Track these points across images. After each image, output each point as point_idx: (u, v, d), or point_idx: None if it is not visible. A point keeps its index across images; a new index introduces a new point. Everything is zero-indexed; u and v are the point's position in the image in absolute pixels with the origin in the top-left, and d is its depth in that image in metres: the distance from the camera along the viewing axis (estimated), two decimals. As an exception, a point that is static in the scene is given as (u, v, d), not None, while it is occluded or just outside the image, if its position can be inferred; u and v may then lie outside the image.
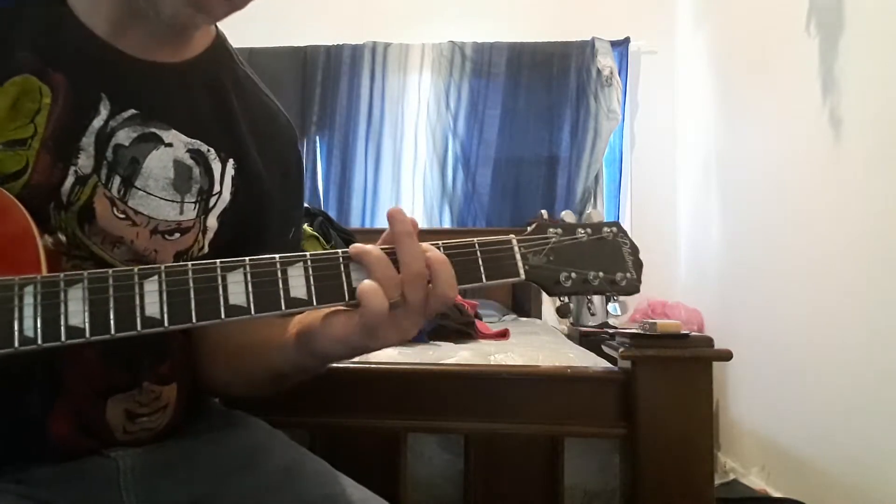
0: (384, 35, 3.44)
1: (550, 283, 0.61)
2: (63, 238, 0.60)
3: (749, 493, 2.19)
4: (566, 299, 0.64)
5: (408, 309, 0.54)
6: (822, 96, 1.93)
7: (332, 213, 3.08)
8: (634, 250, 0.64)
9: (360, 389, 0.98)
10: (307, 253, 0.55)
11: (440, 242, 0.57)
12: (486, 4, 3.49)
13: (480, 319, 2.07)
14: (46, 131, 0.59)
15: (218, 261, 0.53)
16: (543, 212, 3.00)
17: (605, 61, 3.27)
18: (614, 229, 0.63)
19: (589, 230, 0.63)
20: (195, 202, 0.66)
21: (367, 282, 0.53)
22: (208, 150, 0.68)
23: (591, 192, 3.28)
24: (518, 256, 0.60)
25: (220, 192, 0.68)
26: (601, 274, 0.62)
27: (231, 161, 0.69)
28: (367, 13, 3.50)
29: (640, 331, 0.97)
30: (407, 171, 3.43)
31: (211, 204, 0.68)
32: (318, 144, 3.45)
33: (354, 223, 3.30)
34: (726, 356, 0.96)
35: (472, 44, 3.41)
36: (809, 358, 2.01)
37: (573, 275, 0.61)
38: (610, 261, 0.62)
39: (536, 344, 1.65)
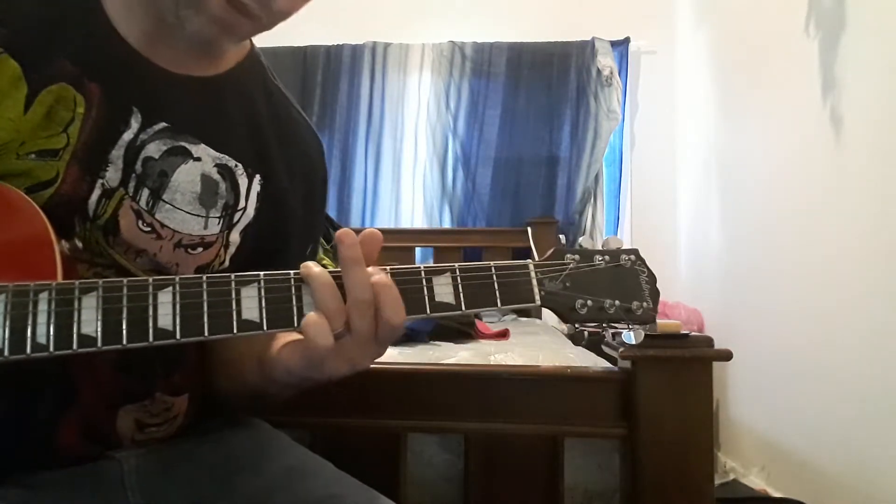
0: (384, 35, 3.44)
1: (566, 310, 0.60)
2: (79, 244, 0.60)
3: (749, 493, 2.19)
4: (579, 327, 0.63)
5: (355, 338, 0.52)
6: (822, 96, 1.93)
7: (332, 213, 3.08)
8: (652, 279, 0.63)
9: (360, 389, 0.98)
10: (288, 272, 0.54)
11: (457, 265, 0.57)
12: (486, 4, 3.49)
13: (480, 319, 2.07)
14: (78, 142, 0.59)
15: (232, 275, 0.52)
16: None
17: (605, 61, 3.27)
18: (632, 257, 0.63)
19: (607, 257, 0.62)
20: (220, 217, 0.66)
21: (311, 314, 0.52)
22: (236, 166, 0.68)
23: (591, 192, 3.28)
24: (534, 282, 0.59)
25: (245, 208, 0.68)
26: (617, 302, 0.61)
27: (258, 177, 0.69)
28: (367, 13, 3.50)
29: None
30: (407, 171, 3.43)
31: (235, 219, 0.68)
32: (318, 144, 3.45)
33: (354, 223, 3.30)
34: (726, 356, 0.96)
35: (472, 44, 3.41)
36: (809, 358, 2.01)
37: (589, 302, 0.60)
38: (627, 289, 0.62)
39: (536, 344, 1.65)
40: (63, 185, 0.58)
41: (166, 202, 0.63)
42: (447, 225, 3.35)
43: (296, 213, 0.74)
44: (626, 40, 3.35)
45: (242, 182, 0.68)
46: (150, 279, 0.51)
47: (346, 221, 3.24)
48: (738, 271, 2.61)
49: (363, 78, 3.42)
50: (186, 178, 0.64)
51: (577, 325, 0.63)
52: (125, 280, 0.50)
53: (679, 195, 3.31)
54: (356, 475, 0.72)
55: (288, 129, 0.74)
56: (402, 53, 3.43)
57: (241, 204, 0.68)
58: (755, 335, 2.37)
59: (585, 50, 3.32)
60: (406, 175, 3.43)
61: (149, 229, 0.62)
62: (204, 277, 0.51)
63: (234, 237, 0.68)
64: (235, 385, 0.70)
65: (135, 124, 0.62)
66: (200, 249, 0.65)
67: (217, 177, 0.66)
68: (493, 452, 1.00)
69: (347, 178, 3.40)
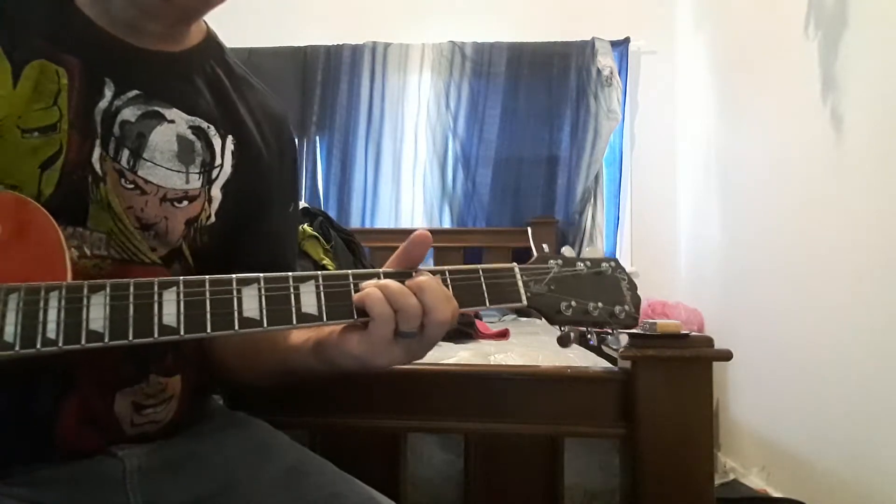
0: (384, 35, 3.44)
1: (552, 312, 0.63)
2: (88, 251, 0.62)
3: (749, 493, 2.19)
4: (567, 329, 0.65)
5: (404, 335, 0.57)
6: (823, 96, 1.93)
7: (332, 213, 3.08)
8: (632, 286, 0.67)
9: (360, 389, 0.98)
10: (319, 273, 0.58)
11: (446, 268, 0.60)
12: (486, 4, 3.49)
13: (480, 319, 2.07)
14: (70, 112, 0.63)
15: (234, 276, 0.55)
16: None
17: (605, 61, 3.27)
18: (612, 264, 0.66)
19: (588, 263, 0.65)
20: (199, 173, 0.70)
21: (373, 301, 0.55)
22: (208, 127, 0.71)
23: (591, 192, 3.28)
24: (520, 283, 0.62)
25: (222, 165, 0.72)
26: (601, 305, 0.64)
27: (230, 137, 0.73)
28: (367, 13, 3.50)
29: (640, 331, 0.97)
30: (407, 171, 3.43)
31: (213, 175, 0.71)
32: (318, 144, 3.45)
33: (354, 223, 3.30)
34: (726, 356, 0.96)
35: (472, 44, 3.41)
36: (810, 358, 2.01)
37: (574, 304, 0.63)
38: (609, 294, 0.65)
39: (536, 344, 1.65)
40: (69, 153, 0.62)
41: (147, 160, 0.66)
42: (447, 225, 3.35)
43: (272, 171, 0.78)
44: (626, 40, 3.35)
45: (216, 142, 0.72)
46: (156, 279, 0.53)
47: (346, 221, 3.24)
48: (738, 271, 2.61)
49: (363, 78, 3.42)
50: (163, 138, 0.68)
51: (563, 328, 0.64)
52: (132, 280, 0.53)
53: (679, 195, 3.31)
54: (356, 475, 0.72)
55: (251, 97, 0.79)
56: (402, 53, 3.43)
57: (218, 161, 0.72)
58: (755, 335, 2.37)
59: (585, 50, 3.32)
60: (406, 175, 3.43)
61: (132, 186, 0.66)
62: (207, 278, 0.54)
63: (216, 192, 0.72)
64: (261, 369, 0.74)
65: (108, 93, 0.65)
66: (186, 203, 0.69)
67: (192, 137, 0.70)
68: (493, 452, 0.99)
69: (347, 178, 3.40)
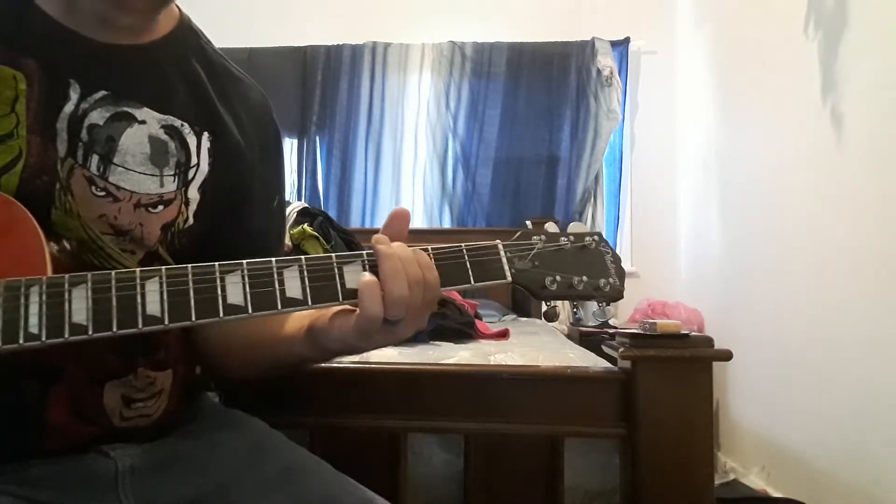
0: (384, 35, 3.44)
1: (537, 287, 0.63)
2: (68, 245, 0.61)
3: (749, 493, 2.19)
4: (553, 303, 0.66)
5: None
6: (822, 96, 1.93)
7: (332, 213, 3.09)
8: (616, 259, 0.66)
9: (360, 389, 0.98)
10: (302, 257, 0.57)
11: (429, 247, 0.60)
12: (486, 4, 3.49)
13: (480, 319, 2.07)
14: (29, 117, 0.60)
15: (217, 263, 0.54)
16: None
17: (605, 61, 3.27)
18: (596, 238, 0.66)
19: (572, 237, 0.65)
20: (174, 175, 0.67)
21: (365, 285, 0.55)
22: (182, 125, 0.69)
23: (591, 192, 3.28)
24: (504, 260, 0.62)
25: (198, 164, 0.69)
26: (585, 279, 0.64)
27: (206, 134, 0.70)
28: (367, 13, 3.50)
29: (640, 331, 0.97)
30: (407, 171, 3.43)
31: (190, 176, 0.69)
32: (318, 144, 3.45)
33: (354, 223, 3.30)
34: (726, 356, 0.96)
35: (472, 44, 3.41)
36: (810, 358, 2.01)
37: (558, 278, 0.63)
38: (593, 267, 0.65)
39: (536, 344, 1.65)
40: (30, 157, 0.60)
41: (118, 165, 0.64)
42: (447, 225, 3.35)
43: (253, 166, 0.75)
44: (626, 40, 3.35)
45: (191, 140, 0.69)
46: (138, 270, 0.52)
47: (346, 221, 3.24)
48: (738, 271, 2.61)
49: (363, 78, 3.42)
50: (134, 140, 0.65)
51: (549, 303, 0.65)
52: (113, 272, 0.52)
53: (679, 195, 3.31)
54: (356, 475, 0.72)
55: (229, 87, 0.75)
56: (402, 53, 3.43)
57: (194, 161, 0.69)
58: (755, 335, 2.37)
59: (585, 50, 3.32)
60: (406, 175, 3.43)
61: (103, 193, 0.63)
62: (189, 267, 0.53)
63: (193, 194, 0.69)
64: (253, 361, 0.74)
65: (74, 95, 0.63)
66: (161, 207, 0.66)
67: (165, 137, 0.67)
68: (493, 452, 0.99)
69: (347, 178, 3.41)
